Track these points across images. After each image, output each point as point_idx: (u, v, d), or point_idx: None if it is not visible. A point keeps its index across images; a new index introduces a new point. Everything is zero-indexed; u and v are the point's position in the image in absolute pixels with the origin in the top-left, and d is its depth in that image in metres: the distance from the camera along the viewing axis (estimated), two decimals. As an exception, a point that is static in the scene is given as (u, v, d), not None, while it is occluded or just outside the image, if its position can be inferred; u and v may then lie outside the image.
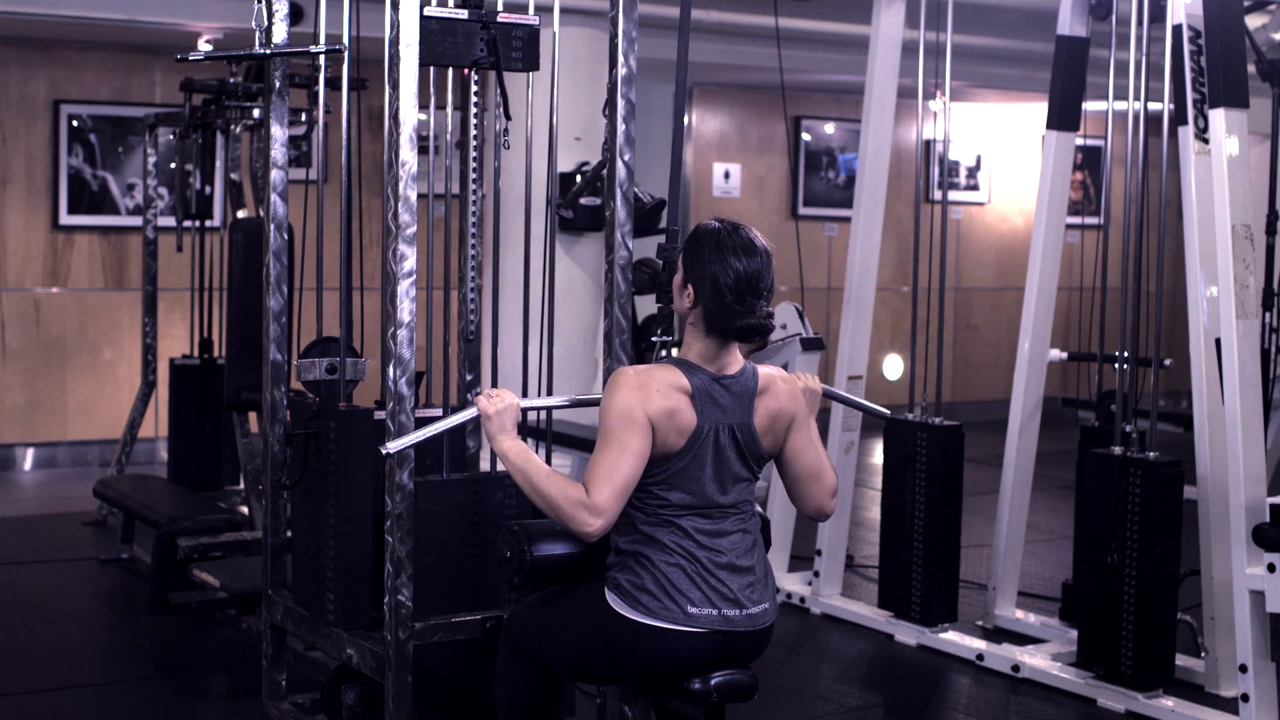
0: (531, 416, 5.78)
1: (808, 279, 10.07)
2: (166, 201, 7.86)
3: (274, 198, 4.09)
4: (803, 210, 10.54)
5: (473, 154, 4.24)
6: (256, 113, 6.21)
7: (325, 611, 3.86)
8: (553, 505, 3.01)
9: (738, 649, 3.13)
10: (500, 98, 3.94)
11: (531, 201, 4.12)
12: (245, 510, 5.98)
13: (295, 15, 4.21)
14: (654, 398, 3.03)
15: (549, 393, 4.07)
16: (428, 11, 3.70)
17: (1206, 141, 4.52)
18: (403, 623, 3.55)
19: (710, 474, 3.09)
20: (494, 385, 4.17)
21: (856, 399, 3.92)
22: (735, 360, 3.14)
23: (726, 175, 10.40)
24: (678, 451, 3.06)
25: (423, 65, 3.63)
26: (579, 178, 6.99)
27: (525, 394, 4.41)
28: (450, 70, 3.94)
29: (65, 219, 8.45)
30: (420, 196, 3.71)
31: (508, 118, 3.92)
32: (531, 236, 4.19)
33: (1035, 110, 10.59)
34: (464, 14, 3.81)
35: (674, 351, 3.67)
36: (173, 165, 7.90)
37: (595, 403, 3.25)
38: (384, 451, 3.33)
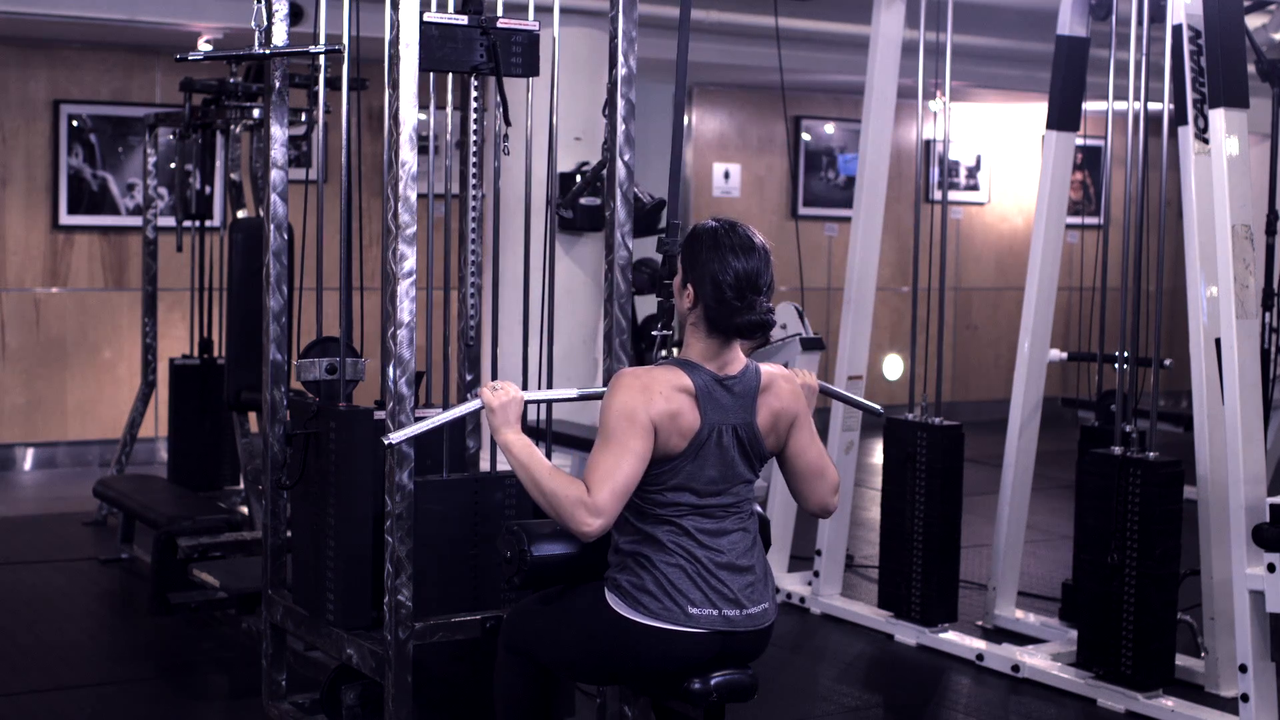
0: (532, 413, 5.78)
1: (807, 279, 10.07)
2: (166, 201, 7.86)
3: (274, 198, 4.09)
4: (803, 210, 10.54)
5: (472, 154, 4.24)
6: (256, 113, 6.21)
7: (325, 611, 3.86)
8: (553, 503, 3.01)
9: (738, 649, 3.12)
10: (500, 101, 3.94)
11: (531, 202, 4.12)
12: (245, 510, 5.98)
13: (295, 15, 4.21)
14: (656, 400, 3.03)
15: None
16: (427, 17, 3.70)
17: (1206, 141, 4.52)
18: (403, 623, 3.55)
19: (713, 474, 3.08)
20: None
21: (854, 396, 3.95)
22: (737, 359, 3.14)
23: (726, 175, 10.39)
24: (680, 453, 3.05)
25: (422, 71, 3.63)
26: (579, 178, 6.98)
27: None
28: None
29: (65, 219, 8.45)
30: (420, 196, 3.71)
31: (507, 123, 3.92)
32: (531, 236, 4.19)
33: (1035, 110, 10.59)
34: (464, 20, 3.81)
35: (675, 352, 3.67)
36: (173, 165, 7.90)
37: (600, 396, 3.25)
38: (386, 442, 3.34)
